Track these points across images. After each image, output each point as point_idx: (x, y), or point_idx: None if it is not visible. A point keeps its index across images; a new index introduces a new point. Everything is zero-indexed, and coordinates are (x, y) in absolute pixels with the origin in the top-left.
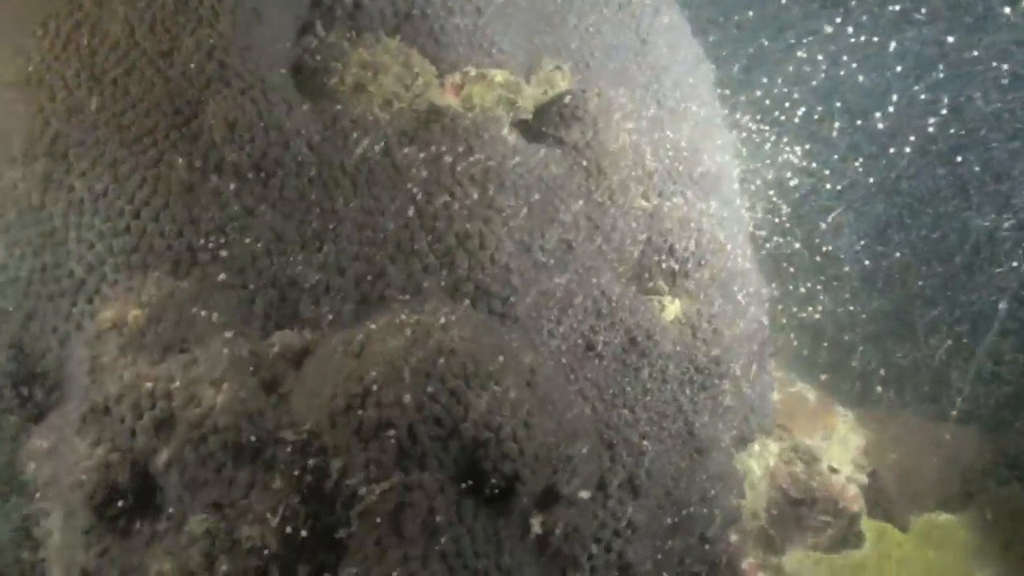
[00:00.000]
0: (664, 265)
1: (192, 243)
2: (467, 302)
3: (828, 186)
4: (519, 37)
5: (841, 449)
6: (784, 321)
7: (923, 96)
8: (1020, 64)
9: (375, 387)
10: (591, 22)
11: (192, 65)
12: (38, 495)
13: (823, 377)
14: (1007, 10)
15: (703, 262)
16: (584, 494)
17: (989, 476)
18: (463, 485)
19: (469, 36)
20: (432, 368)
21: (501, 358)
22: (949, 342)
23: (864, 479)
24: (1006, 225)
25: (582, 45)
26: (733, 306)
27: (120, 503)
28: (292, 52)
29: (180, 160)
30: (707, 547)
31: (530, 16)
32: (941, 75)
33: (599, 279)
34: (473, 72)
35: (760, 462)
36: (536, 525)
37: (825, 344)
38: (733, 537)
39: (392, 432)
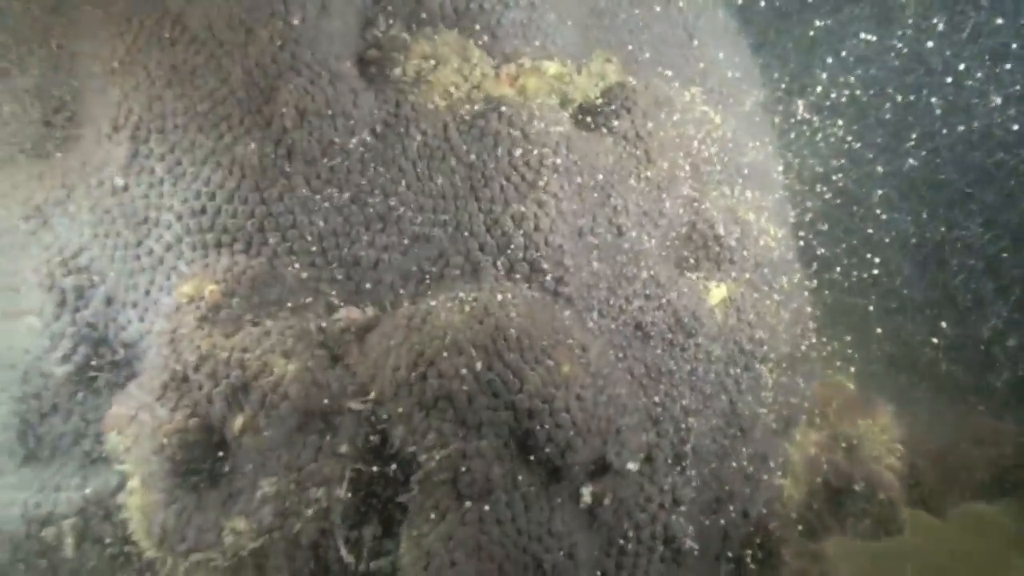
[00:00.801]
0: (710, 251)
1: (263, 223)
2: (522, 282)
3: (873, 176)
4: (571, 31)
5: (880, 439)
6: (826, 312)
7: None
8: None
9: (436, 359)
10: (640, 17)
11: (265, 56)
12: (118, 461)
13: (864, 368)
14: None
15: (747, 249)
16: (632, 466)
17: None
18: (519, 453)
19: (523, 29)
20: (490, 343)
21: (554, 335)
22: (993, 332)
23: (903, 468)
24: None
25: (632, 39)
26: (776, 293)
27: (197, 465)
28: (357, 44)
29: (253, 145)
30: (750, 524)
31: (581, 11)
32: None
33: (647, 262)
34: (528, 64)
35: (800, 450)
36: (587, 495)
37: (867, 335)
38: (773, 525)
39: (452, 402)
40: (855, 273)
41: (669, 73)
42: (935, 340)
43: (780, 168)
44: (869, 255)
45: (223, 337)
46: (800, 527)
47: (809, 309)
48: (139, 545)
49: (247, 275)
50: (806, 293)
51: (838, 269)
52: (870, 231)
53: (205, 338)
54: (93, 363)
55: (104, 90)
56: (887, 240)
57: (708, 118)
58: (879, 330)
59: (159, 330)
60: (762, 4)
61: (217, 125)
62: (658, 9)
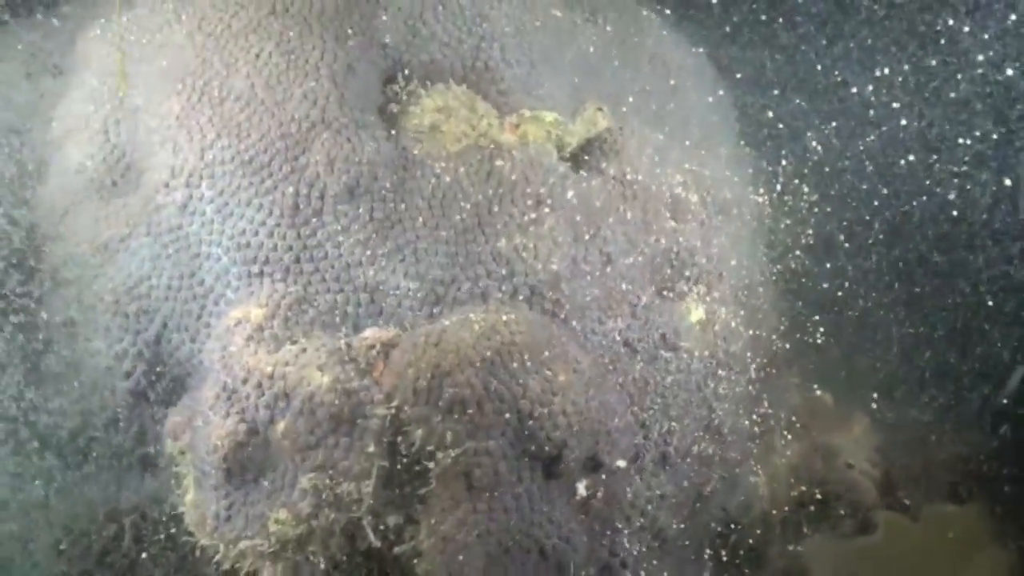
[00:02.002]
0: (689, 276)
1: (299, 256)
2: (524, 304)
3: (845, 217)
4: (565, 83)
5: (857, 448)
6: (803, 332)
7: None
8: None
9: (451, 371)
10: (628, 71)
11: (300, 112)
12: (174, 464)
13: (840, 383)
14: None
15: (723, 275)
16: (621, 463)
17: (989, 475)
18: (522, 451)
19: (524, 83)
20: (496, 356)
21: (552, 349)
22: (965, 342)
23: (878, 474)
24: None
25: (620, 90)
26: (750, 313)
27: (245, 465)
28: (379, 98)
29: (290, 188)
30: (729, 519)
31: (574, 67)
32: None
33: (633, 287)
34: (528, 113)
35: (783, 459)
36: (582, 488)
37: (842, 353)
38: (758, 531)
39: (464, 407)
40: (830, 290)
41: (654, 120)
42: (910, 356)
43: (756, 204)
44: (844, 274)
45: (266, 354)
46: (783, 530)
47: (783, 329)
48: (194, 536)
49: (286, 300)
50: (781, 316)
51: (812, 297)
52: (843, 253)
53: (251, 355)
54: (151, 379)
55: (163, 143)
56: (863, 260)
57: (689, 160)
58: (856, 348)
59: (210, 348)
60: (738, 52)
61: (259, 172)
62: (643, 64)
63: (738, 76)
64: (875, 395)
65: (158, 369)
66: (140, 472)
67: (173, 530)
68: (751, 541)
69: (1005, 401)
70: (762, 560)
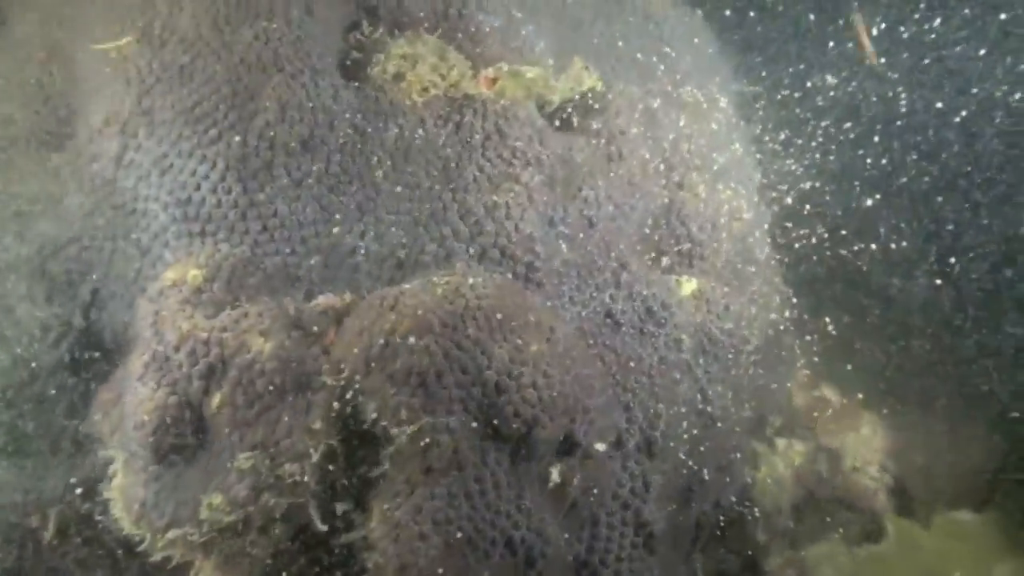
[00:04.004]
0: (682, 245)
1: (245, 213)
2: (494, 266)
3: (848, 189)
4: (551, 40)
5: (865, 450)
6: (809, 325)
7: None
8: None
9: (407, 336)
10: (617, 28)
11: (249, 54)
12: (104, 444)
13: (850, 380)
14: None
15: (718, 245)
16: (600, 446)
17: (1006, 478)
18: (487, 429)
19: (503, 36)
20: (459, 321)
21: (523, 316)
22: (980, 343)
23: (888, 478)
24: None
25: (609, 49)
26: (747, 289)
27: (176, 443)
28: (340, 45)
29: (237, 138)
30: (721, 515)
31: (560, 22)
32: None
33: (618, 253)
34: (506, 67)
35: (786, 461)
36: (555, 473)
37: (850, 347)
38: (761, 537)
39: (422, 378)
40: (833, 287)
41: (645, 81)
42: (921, 353)
43: (755, 174)
44: (846, 267)
45: (203, 319)
46: (785, 535)
47: (784, 309)
48: (119, 524)
49: (229, 261)
50: (778, 297)
51: (818, 283)
52: (845, 246)
53: (186, 320)
54: (82, 351)
55: (98, 89)
56: (862, 256)
57: (682, 123)
58: (865, 342)
59: (142, 313)
60: (739, 19)
61: (202, 120)
62: (634, 22)
63: (735, 38)
64: (887, 394)
65: (90, 340)
66: (69, 456)
67: (101, 520)
68: (750, 544)
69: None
70: (762, 566)
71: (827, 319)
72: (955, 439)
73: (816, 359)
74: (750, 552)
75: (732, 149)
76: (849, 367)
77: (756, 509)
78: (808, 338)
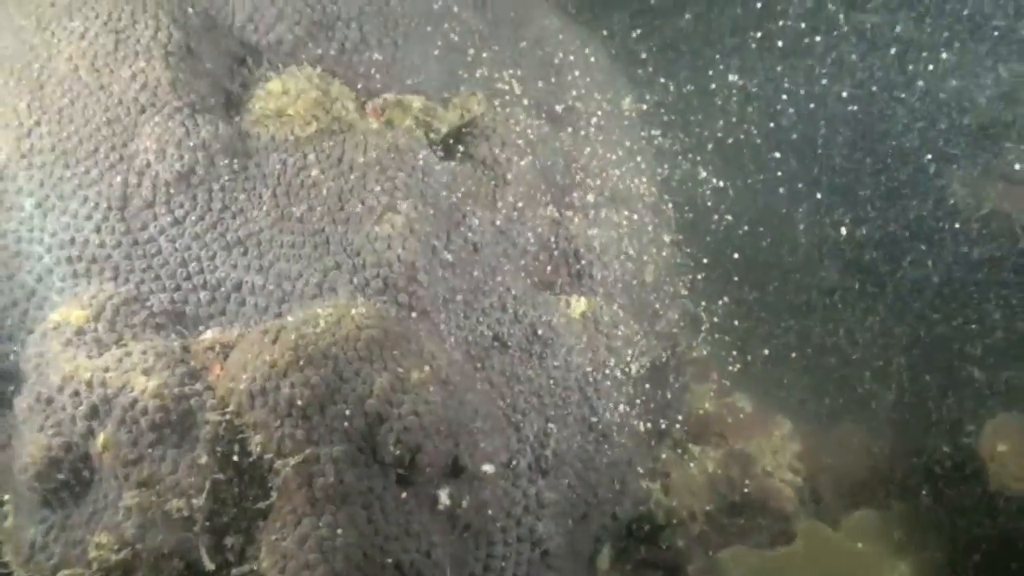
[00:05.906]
0: (571, 267)
1: (130, 252)
2: (377, 297)
3: (744, 200)
4: (437, 69)
5: (777, 455)
6: (717, 333)
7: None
8: None
9: (288, 369)
10: (507, 55)
11: (128, 95)
12: None
13: (758, 387)
14: None
15: (607, 266)
16: (488, 468)
17: (906, 483)
18: (373, 457)
19: (387, 68)
20: (340, 352)
21: (406, 344)
22: (876, 353)
23: (799, 482)
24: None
25: (498, 76)
26: (639, 307)
27: (63, 484)
28: (223, 83)
29: (118, 177)
30: (620, 527)
31: (448, 51)
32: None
33: (504, 278)
34: (392, 98)
35: (700, 467)
36: (443, 496)
37: (759, 355)
38: (680, 543)
39: (304, 410)
40: (737, 295)
41: (535, 106)
42: (828, 361)
43: (650, 192)
44: (749, 277)
45: (86, 359)
46: (701, 540)
47: (682, 320)
48: (10, 567)
49: (113, 300)
50: (678, 312)
51: (721, 290)
52: (746, 253)
53: (68, 361)
54: None
55: None
56: (782, 249)
57: (573, 146)
58: (773, 350)
59: (26, 356)
60: (637, 37)
61: (83, 161)
62: (525, 48)
63: (643, 56)
64: (796, 399)
65: None
66: None
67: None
68: (664, 550)
69: None
70: (678, 570)
71: (736, 322)
72: (860, 440)
73: (731, 367)
74: (668, 559)
75: (629, 164)
76: (758, 374)
77: (672, 517)
78: (715, 346)
